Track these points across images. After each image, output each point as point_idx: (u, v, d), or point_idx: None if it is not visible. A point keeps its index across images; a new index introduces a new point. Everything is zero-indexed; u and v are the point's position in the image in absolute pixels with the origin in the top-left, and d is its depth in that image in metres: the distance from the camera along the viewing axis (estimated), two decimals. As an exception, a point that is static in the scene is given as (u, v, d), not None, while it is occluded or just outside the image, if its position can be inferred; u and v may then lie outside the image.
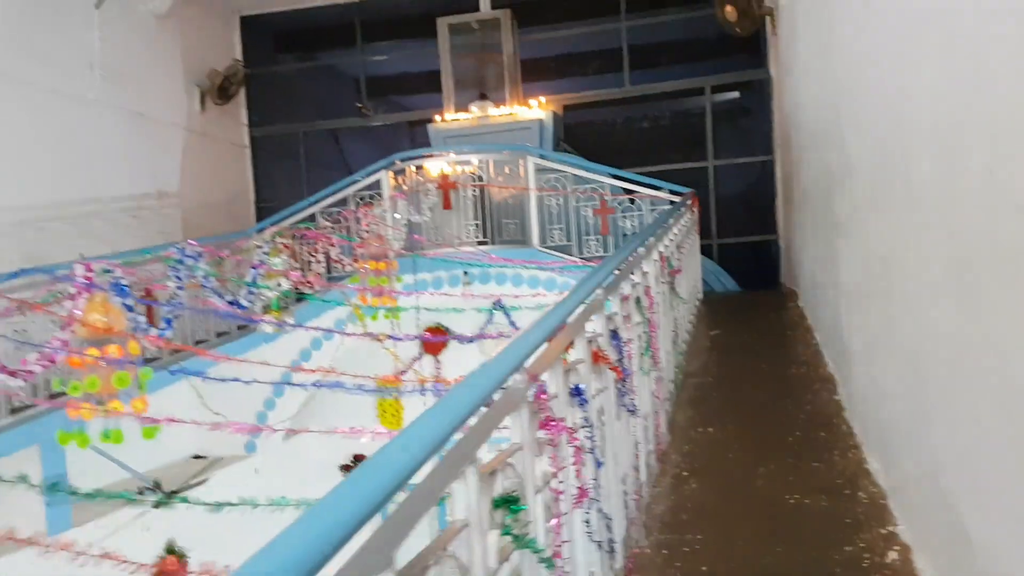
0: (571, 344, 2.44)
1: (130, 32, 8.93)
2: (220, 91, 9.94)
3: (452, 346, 9.93)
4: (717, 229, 10.01)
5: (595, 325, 2.81)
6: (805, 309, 6.93)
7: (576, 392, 2.34)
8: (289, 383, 8.45)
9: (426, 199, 8.14)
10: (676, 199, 8.29)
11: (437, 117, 10.32)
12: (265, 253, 5.93)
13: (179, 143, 9.77)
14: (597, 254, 8.57)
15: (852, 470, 3.64)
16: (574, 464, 2.12)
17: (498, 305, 9.46)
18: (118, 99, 8.70)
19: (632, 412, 3.14)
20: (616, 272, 3.26)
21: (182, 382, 7.47)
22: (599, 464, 2.44)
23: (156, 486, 6.14)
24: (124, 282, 3.82)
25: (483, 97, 10.26)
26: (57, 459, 6.25)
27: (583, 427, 2.33)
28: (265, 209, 10.74)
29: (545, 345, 2.11)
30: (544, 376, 2.04)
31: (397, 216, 7.47)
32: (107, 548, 6.52)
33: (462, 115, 10.23)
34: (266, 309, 5.96)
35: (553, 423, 1.95)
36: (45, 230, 7.43)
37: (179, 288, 5.03)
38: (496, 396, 1.75)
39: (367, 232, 6.45)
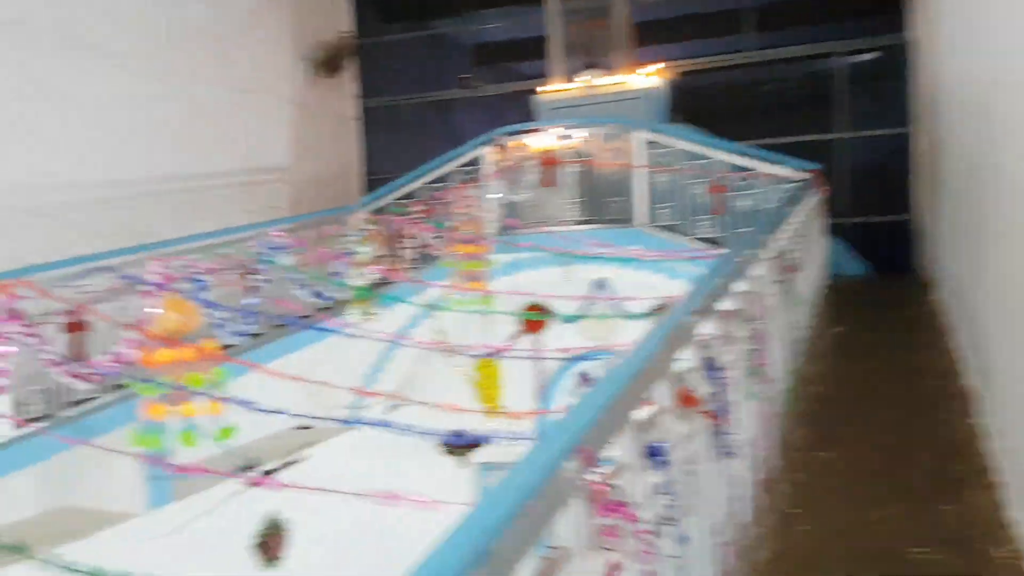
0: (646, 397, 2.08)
1: (239, 5, 8.95)
2: (328, 64, 9.89)
3: (552, 325, 9.66)
4: (846, 208, 9.22)
5: (683, 361, 2.43)
6: (943, 305, 6.22)
7: (652, 453, 1.98)
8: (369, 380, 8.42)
9: (526, 176, 7.80)
10: (799, 177, 7.63)
11: (543, 87, 9.93)
12: (353, 241, 5.79)
13: (288, 117, 9.80)
14: (709, 235, 8.02)
15: (987, 518, 3.13)
16: (644, 553, 1.78)
17: (602, 283, 9.09)
18: (227, 74, 8.76)
19: (731, 455, 2.75)
20: (713, 291, 2.85)
21: (280, 359, 7.52)
22: (681, 540, 2.08)
23: (252, 464, 6.17)
24: (202, 276, 3.75)
25: (592, 65, 9.78)
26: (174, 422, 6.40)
27: (661, 494, 1.98)
28: (374, 182, 10.66)
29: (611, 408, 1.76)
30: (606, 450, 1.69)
31: (494, 196, 7.18)
32: (208, 522, 6.67)
33: (569, 85, 9.79)
34: (352, 299, 5.84)
35: (615, 508, 1.62)
36: (161, 203, 7.58)
37: (265, 281, 4.95)
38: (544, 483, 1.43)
39: (461, 214, 6.18)
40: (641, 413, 1.97)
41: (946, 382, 4.62)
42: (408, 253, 6.60)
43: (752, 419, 3.38)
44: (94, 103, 7.45)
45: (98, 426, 5.31)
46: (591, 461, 1.50)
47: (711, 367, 2.65)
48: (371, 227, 5.93)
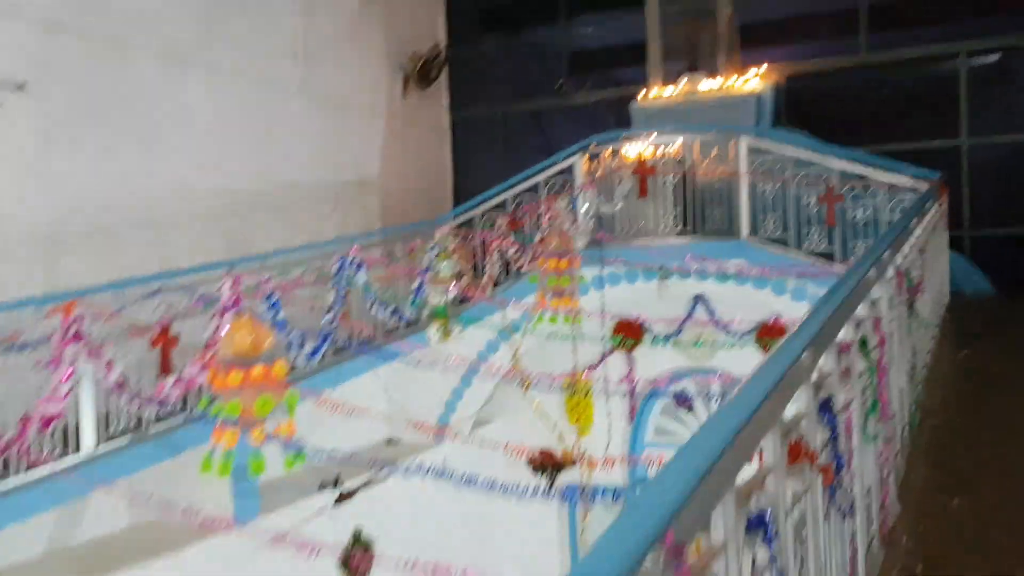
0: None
1: (334, 18, 8.99)
2: (422, 75, 9.83)
3: (646, 343, 9.27)
4: (970, 219, 8.47)
5: (794, 406, 2.08)
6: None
7: (758, 523, 1.65)
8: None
9: (620, 186, 7.46)
10: (920, 186, 7.01)
11: (641, 94, 9.57)
12: (435, 256, 5.59)
13: (380, 129, 9.79)
14: (820, 249, 7.48)
15: None
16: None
17: (700, 300, 8.64)
18: (321, 86, 8.80)
19: (848, 514, 2.37)
20: (831, 319, 2.47)
21: (368, 374, 7.42)
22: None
23: (335, 482, 6.06)
24: (276, 296, 3.62)
25: (693, 69, 9.36)
26: (244, 447, 6.38)
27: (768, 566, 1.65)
28: (465, 194, 10.54)
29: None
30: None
31: (584, 207, 6.88)
32: (295, 535, 6.60)
33: (668, 90, 9.40)
34: (431, 317, 5.64)
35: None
36: (247, 218, 7.63)
37: (341, 299, 4.81)
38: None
39: (548, 227, 5.90)
40: (744, 474, 1.64)
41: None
42: (493, 268, 6.36)
43: (871, 465, 2.96)
44: (202, 117, 7.58)
45: (184, 441, 5.30)
46: (679, 555, 1.19)
47: (827, 410, 2.28)
48: (453, 242, 5.71)
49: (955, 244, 8.31)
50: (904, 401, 4.03)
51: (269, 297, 3.72)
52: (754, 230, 7.74)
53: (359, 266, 4.86)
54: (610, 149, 8.09)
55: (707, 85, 9.14)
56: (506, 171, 10.52)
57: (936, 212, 6.28)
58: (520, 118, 11.32)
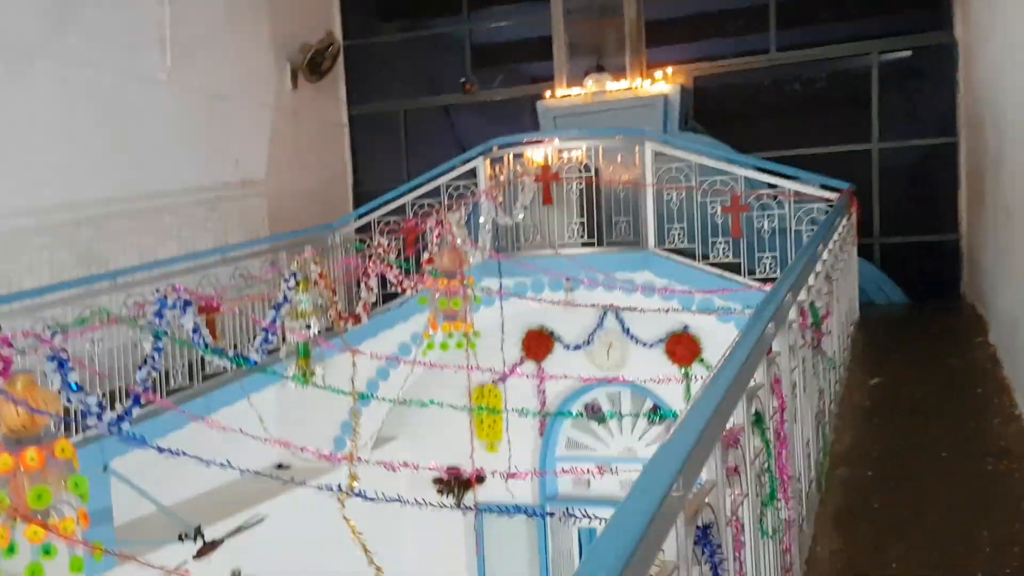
0: None
1: (209, 2, 8.16)
2: (312, 67, 9.09)
3: (557, 351, 8.85)
4: (881, 226, 8.26)
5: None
6: (1000, 351, 5.28)
7: None
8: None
9: (522, 194, 6.94)
10: (828, 196, 6.71)
11: (548, 93, 9.07)
12: (292, 287, 4.95)
13: (266, 125, 9.02)
14: (726, 260, 7.12)
15: None
16: None
17: (609, 311, 8.25)
18: (194, 80, 7.98)
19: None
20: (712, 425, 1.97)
21: (243, 401, 6.75)
22: None
23: (197, 533, 5.38)
24: (64, 354, 2.95)
25: (600, 68, 8.90)
26: (102, 492, 5.63)
27: None
28: (364, 195, 9.87)
29: None
30: None
31: (483, 218, 6.32)
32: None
33: (575, 90, 8.92)
34: (290, 357, 5.02)
35: None
36: (104, 228, 6.81)
37: (156, 350, 4.12)
38: None
39: (439, 243, 5.34)
40: None
41: (1019, 466, 3.70)
42: (369, 295, 5.74)
43: (770, 561, 2.51)
44: (49, 116, 6.71)
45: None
46: None
47: (706, 541, 1.79)
48: (316, 267, 5.07)
49: (865, 253, 8.09)
50: (812, 452, 3.63)
51: (55, 358, 3.06)
52: (661, 240, 7.34)
53: (185, 306, 4.17)
54: (512, 153, 7.57)
55: (614, 86, 8.70)
56: (413, 170, 9.91)
57: (846, 227, 5.97)
58: (427, 114, 10.67)
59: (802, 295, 3.65)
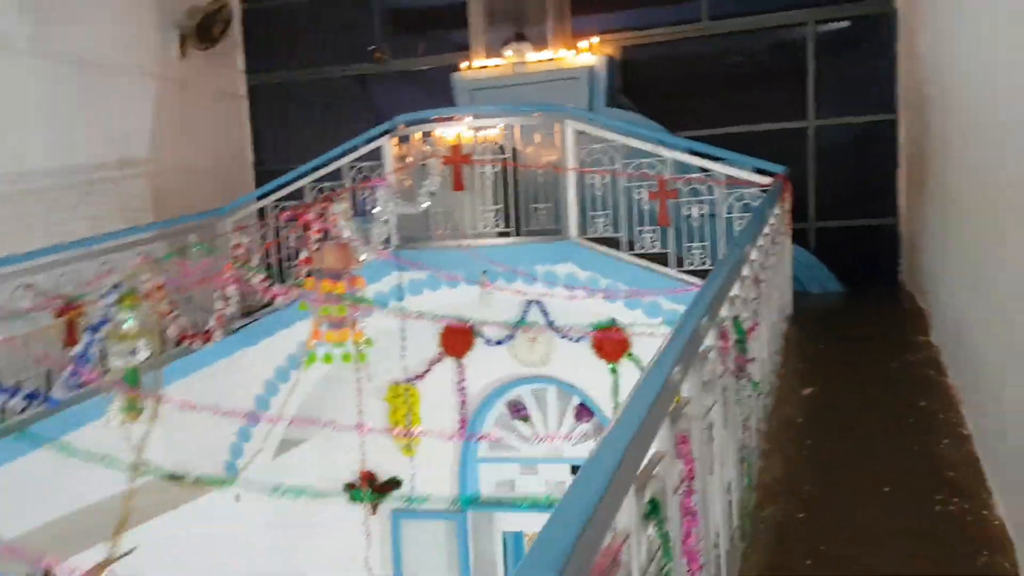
0: None
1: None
2: (201, 33, 8.17)
3: (479, 347, 8.26)
4: (817, 210, 7.79)
5: None
6: (944, 355, 4.81)
7: None
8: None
9: (427, 180, 6.24)
10: (761, 182, 6.17)
11: (464, 64, 8.34)
12: (113, 303, 4.16)
13: (150, 98, 8.09)
14: (653, 251, 6.55)
15: None
16: None
17: (533, 304, 7.66)
18: (61, 45, 7.03)
19: None
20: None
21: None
22: None
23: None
24: None
25: (520, 38, 8.20)
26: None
27: None
28: (267, 174, 9.02)
29: None
30: None
31: (378, 209, 5.60)
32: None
33: (494, 61, 8.21)
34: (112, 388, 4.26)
35: None
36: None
37: None
38: None
39: (320, 239, 4.61)
40: None
41: (970, 506, 3.20)
42: (226, 306, 4.98)
43: None
44: None
45: None
46: None
47: None
48: (149, 278, 4.30)
49: (800, 238, 7.62)
50: (734, 495, 3.07)
51: None
52: (584, 229, 6.73)
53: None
54: (420, 132, 6.84)
55: (536, 57, 8.01)
56: (325, 146, 9.10)
57: (779, 217, 5.43)
58: (338, 84, 9.79)
59: (724, 311, 3.06)
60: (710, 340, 2.73)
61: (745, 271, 3.69)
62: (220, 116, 9.04)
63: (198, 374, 5.89)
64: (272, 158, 9.41)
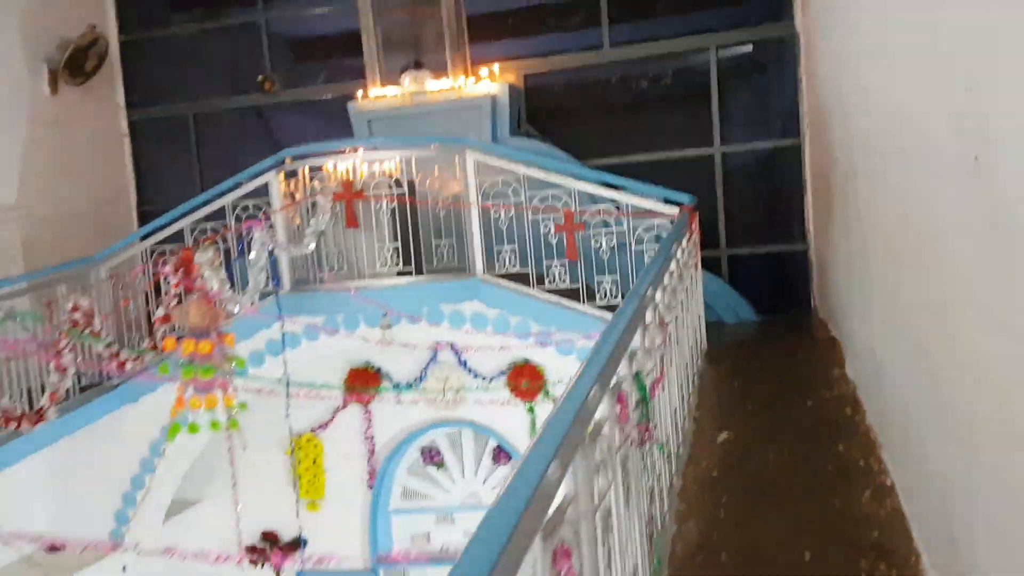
0: None
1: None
2: (72, 66, 7.55)
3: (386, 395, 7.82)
4: (727, 236, 7.63)
5: None
6: (860, 391, 4.61)
7: None
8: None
9: (314, 219, 5.79)
10: (668, 212, 5.94)
11: (361, 94, 7.93)
12: None
13: (18, 138, 7.42)
14: (563, 286, 6.23)
15: None
16: None
17: (442, 345, 7.29)
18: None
19: None
20: None
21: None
22: None
23: None
24: None
25: (419, 65, 7.85)
26: None
27: None
28: (151, 215, 8.38)
29: None
30: None
31: (253, 255, 5.11)
32: None
33: (392, 89, 7.83)
34: None
35: None
36: None
37: None
38: None
39: (180, 294, 4.11)
40: None
41: (897, 568, 2.92)
42: (62, 380, 4.40)
43: None
44: None
45: None
46: None
47: None
48: None
49: (712, 266, 7.44)
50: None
51: None
52: (490, 265, 6.37)
53: None
54: (308, 167, 6.38)
55: (435, 85, 7.67)
56: (205, 182, 8.55)
57: (687, 250, 5.18)
58: (231, 116, 9.22)
59: (622, 368, 2.73)
60: (603, 411, 2.38)
61: (648, 316, 3.37)
62: (98, 155, 8.38)
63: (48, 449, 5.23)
64: (158, 198, 8.78)
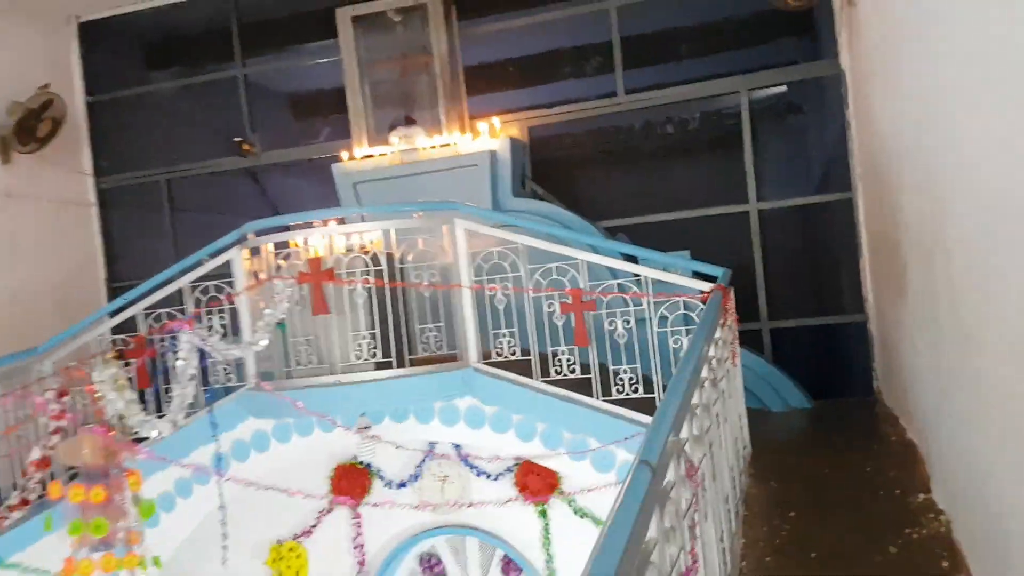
0: None
1: None
2: (23, 132, 6.79)
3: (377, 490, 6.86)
4: (769, 306, 6.55)
5: None
6: (957, 528, 3.48)
7: None
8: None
9: (271, 307, 4.84)
10: (695, 287, 4.89)
11: (347, 154, 7.07)
12: None
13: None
14: (571, 376, 5.19)
15: None
16: None
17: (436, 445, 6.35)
18: None
19: None
20: None
21: None
22: None
23: None
24: None
25: (409, 122, 6.99)
26: None
27: None
28: (121, 290, 7.53)
29: None
30: None
31: (179, 364, 4.15)
32: None
33: (381, 149, 6.95)
34: None
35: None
36: None
37: None
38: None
39: (64, 427, 3.14)
40: None
41: None
42: None
43: None
44: None
45: None
46: None
47: None
48: None
49: (752, 341, 6.37)
50: None
51: None
52: (485, 352, 5.36)
53: None
54: (270, 243, 5.46)
55: (427, 142, 6.78)
56: (181, 253, 7.66)
57: (723, 339, 4.13)
58: (222, 180, 8.38)
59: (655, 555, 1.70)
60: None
61: (670, 474, 2.34)
62: (62, 228, 7.58)
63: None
64: (132, 273, 7.93)
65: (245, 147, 7.45)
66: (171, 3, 7.65)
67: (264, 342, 4.71)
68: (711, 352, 3.69)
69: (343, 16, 6.87)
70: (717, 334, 4.01)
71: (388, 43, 7.00)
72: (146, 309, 5.82)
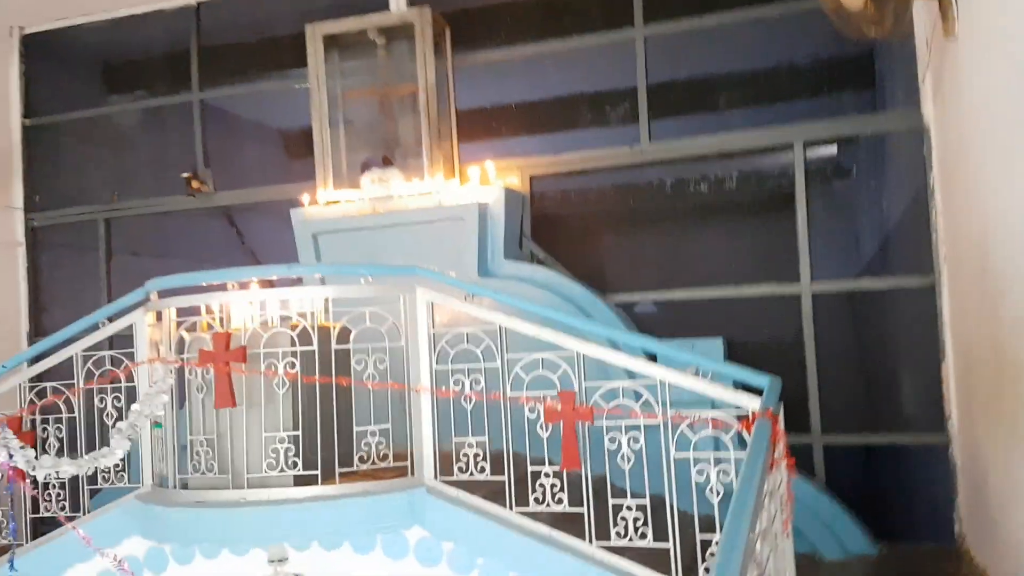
0: None
1: None
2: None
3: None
4: (823, 419, 5.13)
5: None
6: None
7: None
8: None
9: (150, 394, 3.58)
10: (730, 400, 3.53)
11: (309, 199, 5.87)
12: None
13: None
14: (557, 508, 3.82)
15: None
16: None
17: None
18: None
19: None
20: None
21: None
22: None
23: None
24: None
25: (387, 162, 5.79)
26: None
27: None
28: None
29: None
30: None
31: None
32: None
33: (350, 193, 5.74)
34: None
35: None
36: None
37: None
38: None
39: None
40: None
41: None
42: None
43: None
44: None
45: None
46: None
47: None
48: None
49: (802, 461, 4.94)
50: None
51: None
52: (446, 467, 4.03)
53: None
54: (174, 308, 4.21)
55: (405, 189, 5.56)
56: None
57: (772, 493, 2.78)
58: (172, 218, 7.16)
59: None
60: None
61: None
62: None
63: None
64: (61, 324, 6.72)
65: (195, 184, 6.27)
66: (127, 15, 6.59)
67: (120, 452, 3.42)
68: (760, 525, 2.35)
69: (313, 33, 5.72)
70: (765, 486, 2.66)
71: (367, 69, 5.85)
72: (31, 381, 4.65)
